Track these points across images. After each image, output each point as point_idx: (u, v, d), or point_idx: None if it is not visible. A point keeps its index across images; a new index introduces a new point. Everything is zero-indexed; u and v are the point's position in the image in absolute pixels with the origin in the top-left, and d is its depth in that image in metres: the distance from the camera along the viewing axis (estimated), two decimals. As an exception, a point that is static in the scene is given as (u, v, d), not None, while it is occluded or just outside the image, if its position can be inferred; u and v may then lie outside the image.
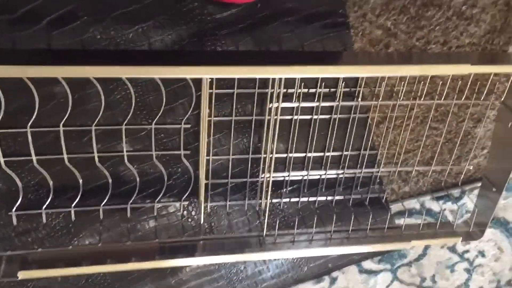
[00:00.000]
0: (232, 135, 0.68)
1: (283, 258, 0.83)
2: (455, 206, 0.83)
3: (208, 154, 0.67)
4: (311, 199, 0.76)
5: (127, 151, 0.65)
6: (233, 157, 0.70)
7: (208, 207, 0.73)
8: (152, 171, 0.69)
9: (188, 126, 0.66)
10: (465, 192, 0.83)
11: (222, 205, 0.74)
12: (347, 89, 0.68)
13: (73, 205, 0.65)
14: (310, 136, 0.71)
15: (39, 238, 0.68)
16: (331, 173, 0.75)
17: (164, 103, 0.61)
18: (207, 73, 0.55)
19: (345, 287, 0.90)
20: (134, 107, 0.62)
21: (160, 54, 0.61)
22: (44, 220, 0.66)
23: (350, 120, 0.70)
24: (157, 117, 0.63)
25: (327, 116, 0.70)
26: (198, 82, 0.60)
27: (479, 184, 0.79)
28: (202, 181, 0.68)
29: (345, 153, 0.73)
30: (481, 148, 0.79)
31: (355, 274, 0.89)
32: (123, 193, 0.69)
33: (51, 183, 0.64)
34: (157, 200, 0.69)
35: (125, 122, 0.62)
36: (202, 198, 0.70)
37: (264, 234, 0.72)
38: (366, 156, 0.74)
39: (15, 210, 0.64)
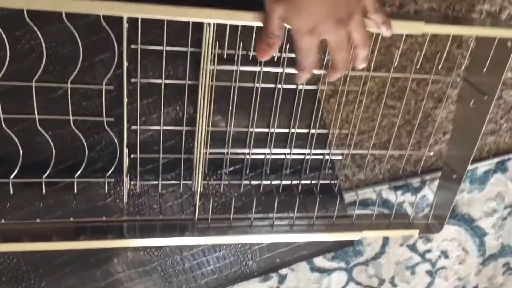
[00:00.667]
0: (162, 102, 0.60)
1: (225, 250, 0.74)
2: (414, 198, 0.76)
3: (130, 123, 0.60)
4: (254, 182, 0.68)
5: (38, 114, 0.56)
6: (165, 128, 0.62)
7: (138, 186, 0.65)
8: (70, 139, 0.60)
9: (111, 87, 0.58)
10: (425, 182, 0.76)
11: (153, 184, 0.66)
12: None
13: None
14: (252, 108, 0.63)
15: None
16: (277, 153, 0.67)
17: (81, 57, 0.53)
18: (125, 11, 0.47)
19: (295, 287, 0.81)
20: (46, 61, 0.54)
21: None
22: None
23: (297, 91, 0.63)
24: (73, 74, 0.55)
25: (272, 85, 0.62)
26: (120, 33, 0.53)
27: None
28: (125, 155, 0.60)
29: (292, 130, 0.66)
30: (442, 132, 0.72)
31: (306, 273, 0.81)
32: (37, 164, 0.61)
33: None
34: (76, 175, 0.61)
35: (35, 78, 0.54)
36: (125, 175, 0.62)
37: (196, 218, 0.64)
38: (315, 135, 0.67)
39: None
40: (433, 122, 0.70)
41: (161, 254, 0.72)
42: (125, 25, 0.52)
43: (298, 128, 0.66)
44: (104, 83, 0.57)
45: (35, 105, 0.55)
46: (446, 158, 0.71)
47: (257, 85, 0.62)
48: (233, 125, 0.63)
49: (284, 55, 0.60)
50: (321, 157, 0.69)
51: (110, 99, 0.59)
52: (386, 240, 0.81)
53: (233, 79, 0.61)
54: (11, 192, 0.60)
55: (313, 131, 0.66)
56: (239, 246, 0.75)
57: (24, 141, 0.58)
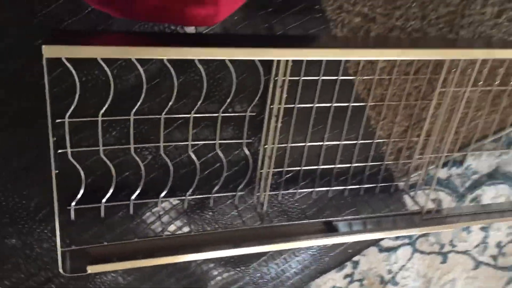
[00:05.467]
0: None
1: (304, 253, 0.83)
2: (460, 170, 0.84)
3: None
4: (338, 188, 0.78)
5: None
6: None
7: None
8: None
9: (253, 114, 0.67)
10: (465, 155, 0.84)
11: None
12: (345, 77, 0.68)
13: (132, 197, 0.65)
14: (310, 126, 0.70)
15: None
16: (341, 166, 0.76)
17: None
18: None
19: (368, 269, 0.91)
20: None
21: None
22: (103, 215, 0.65)
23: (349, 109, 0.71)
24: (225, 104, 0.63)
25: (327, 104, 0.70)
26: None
27: None
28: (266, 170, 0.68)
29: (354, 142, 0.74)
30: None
31: (376, 255, 0.90)
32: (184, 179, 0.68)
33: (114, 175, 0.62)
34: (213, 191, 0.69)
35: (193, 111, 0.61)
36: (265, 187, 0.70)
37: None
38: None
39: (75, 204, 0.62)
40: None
41: (251, 269, 0.82)
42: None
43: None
44: (248, 111, 0.65)
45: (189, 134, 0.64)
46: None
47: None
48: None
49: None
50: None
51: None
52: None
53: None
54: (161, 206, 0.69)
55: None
56: (315, 246, 0.84)
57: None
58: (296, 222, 0.77)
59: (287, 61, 0.58)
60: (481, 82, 0.73)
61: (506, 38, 0.73)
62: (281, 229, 0.75)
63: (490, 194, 0.90)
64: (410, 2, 0.64)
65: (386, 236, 0.83)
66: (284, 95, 0.61)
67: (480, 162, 0.86)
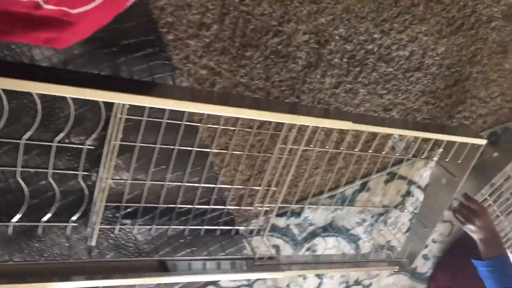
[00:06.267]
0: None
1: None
2: (298, 220, 0.91)
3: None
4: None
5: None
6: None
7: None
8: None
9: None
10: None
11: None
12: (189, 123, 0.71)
13: None
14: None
15: None
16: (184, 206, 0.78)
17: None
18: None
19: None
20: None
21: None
22: None
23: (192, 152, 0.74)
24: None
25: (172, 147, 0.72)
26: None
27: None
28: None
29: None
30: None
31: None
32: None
33: None
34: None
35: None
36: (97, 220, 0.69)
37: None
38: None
39: None
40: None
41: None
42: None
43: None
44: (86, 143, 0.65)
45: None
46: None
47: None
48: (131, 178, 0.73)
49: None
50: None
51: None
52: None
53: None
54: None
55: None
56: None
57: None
58: (128, 258, 0.77)
59: (123, 104, 0.60)
60: (318, 142, 0.80)
61: (342, 107, 0.81)
62: (112, 264, 0.75)
63: (324, 245, 0.98)
64: (254, 62, 0.69)
65: (213, 279, 0.86)
66: (120, 134, 0.62)
67: (316, 215, 0.93)
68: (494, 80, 0.92)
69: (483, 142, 0.85)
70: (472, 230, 0.92)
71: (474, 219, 0.91)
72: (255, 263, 0.82)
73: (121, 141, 0.66)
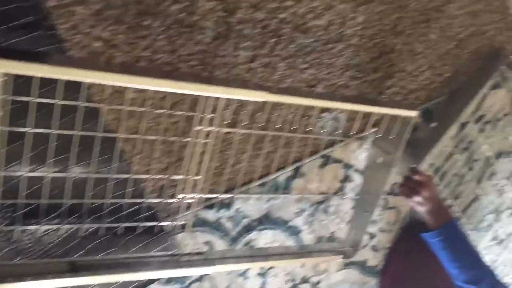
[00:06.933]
0: None
1: None
2: (231, 213, 0.84)
3: None
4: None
5: None
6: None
7: None
8: None
9: None
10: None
11: None
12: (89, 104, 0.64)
13: None
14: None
15: None
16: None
17: None
18: None
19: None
20: None
21: None
22: None
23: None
24: None
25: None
26: None
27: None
28: None
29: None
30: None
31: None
32: None
33: None
34: None
35: None
36: None
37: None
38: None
39: None
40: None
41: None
42: None
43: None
44: None
45: None
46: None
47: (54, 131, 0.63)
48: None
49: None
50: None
51: None
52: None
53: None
54: None
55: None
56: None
57: None
58: (34, 260, 0.68)
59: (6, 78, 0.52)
60: (243, 124, 0.75)
61: (262, 83, 0.76)
62: (14, 268, 0.66)
63: (263, 240, 0.92)
64: (155, 33, 0.64)
65: (137, 278, 0.78)
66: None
67: (248, 206, 0.87)
68: (420, 52, 0.89)
69: (413, 113, 0.82)
70: (419, 202, 0.89)
71: (421, 190, 0.88)
72: (180, 259, 0.75)
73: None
